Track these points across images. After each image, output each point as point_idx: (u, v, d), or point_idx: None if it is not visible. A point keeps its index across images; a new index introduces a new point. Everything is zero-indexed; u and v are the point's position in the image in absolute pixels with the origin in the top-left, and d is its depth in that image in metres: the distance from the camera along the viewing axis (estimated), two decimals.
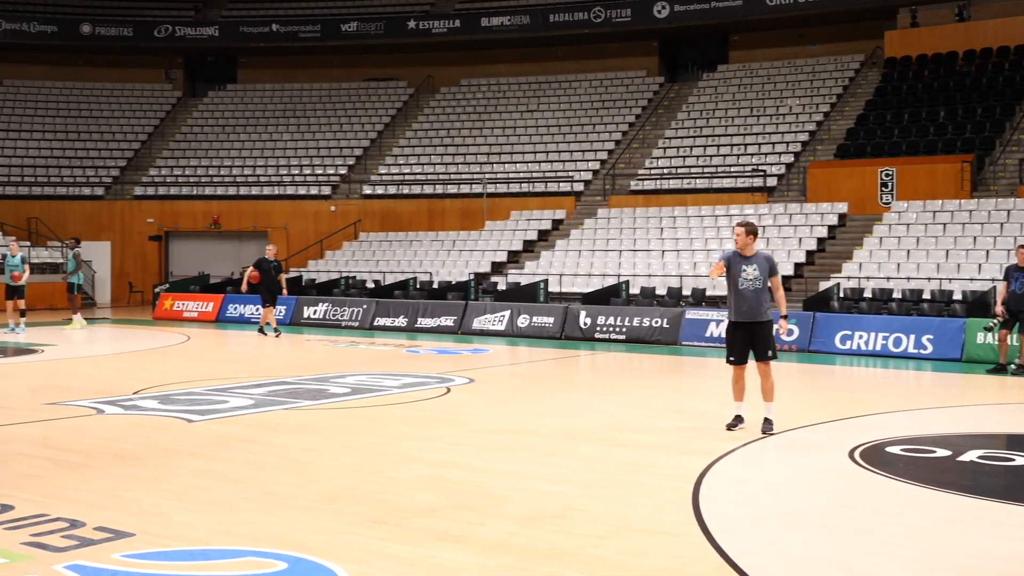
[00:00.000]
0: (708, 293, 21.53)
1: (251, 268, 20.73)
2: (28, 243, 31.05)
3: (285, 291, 21.12)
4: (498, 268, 27.26)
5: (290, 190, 33.50)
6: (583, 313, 20.37)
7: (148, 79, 39.86)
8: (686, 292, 22.02)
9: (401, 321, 22.41)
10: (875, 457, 8.17)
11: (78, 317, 21.99)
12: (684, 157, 30.14)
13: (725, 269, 9.21)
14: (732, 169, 28.84)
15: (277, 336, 20.25)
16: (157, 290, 28.45)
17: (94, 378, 13.84)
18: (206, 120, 37.92)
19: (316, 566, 5.25)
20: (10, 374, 14.25)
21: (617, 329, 19.71)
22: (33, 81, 38.93)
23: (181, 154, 36.15)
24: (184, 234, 33.98)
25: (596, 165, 31.49)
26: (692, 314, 19.19)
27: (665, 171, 29.67)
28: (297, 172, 34.43)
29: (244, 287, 21.23)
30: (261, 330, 20.74)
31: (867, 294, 20.13)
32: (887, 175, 25.32)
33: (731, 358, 9.39)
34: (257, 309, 24.57)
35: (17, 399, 11.54)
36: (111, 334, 21.57)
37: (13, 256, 20.63)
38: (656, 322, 19.33)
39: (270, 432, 9.18)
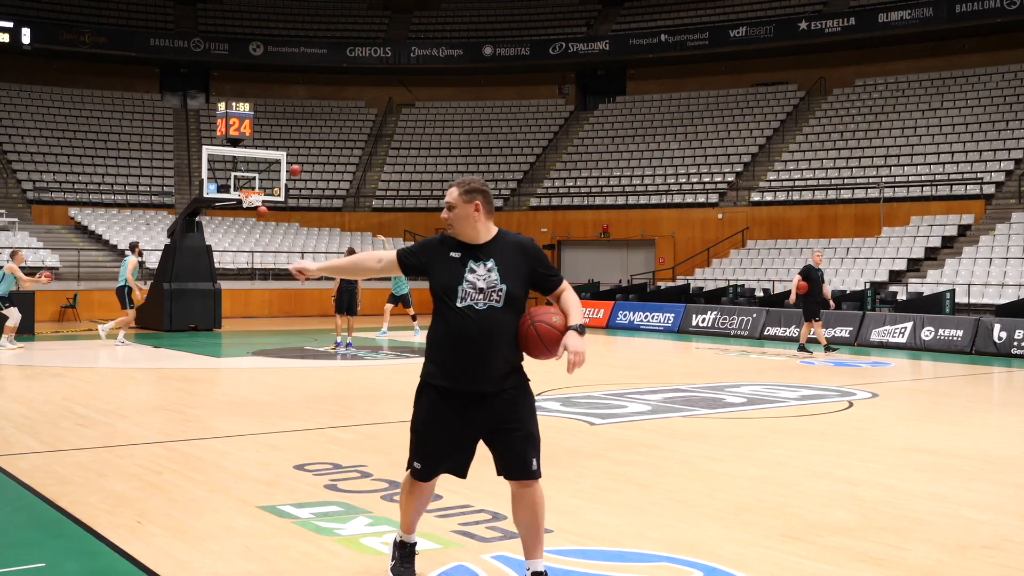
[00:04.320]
0: None
1: (798, 277, 18.05)
2: None
3: (832, 303, 18.57)
4: (897, 277, 25.79)
5: (677, 198, 33.70)
6: (997, 326, 18.72)
7: (543, 95, 41.89)
8: None
9: (793, 331, 21.78)
10: None
11: None
12: None
13: None
14: None
15: (830, 350, 18.30)
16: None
17: None
18: (596, 132, 39.13)
19: None
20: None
21: None
22: (441, 101, 42.18)
23: (573, 166, 37.54)
24: (575, 242, 35.23)
25: (1010, 165, 28.89)
26: None
27: None
28: (684, 180, 34.58)
29: (792, 299, 18.46)
30: (803, 347, 18.36)
31: None
32: None
33: None
34: (647, 316, 24.88)
35: None
36: None
37: None
38: None
39: (671, 438, 9.20)
